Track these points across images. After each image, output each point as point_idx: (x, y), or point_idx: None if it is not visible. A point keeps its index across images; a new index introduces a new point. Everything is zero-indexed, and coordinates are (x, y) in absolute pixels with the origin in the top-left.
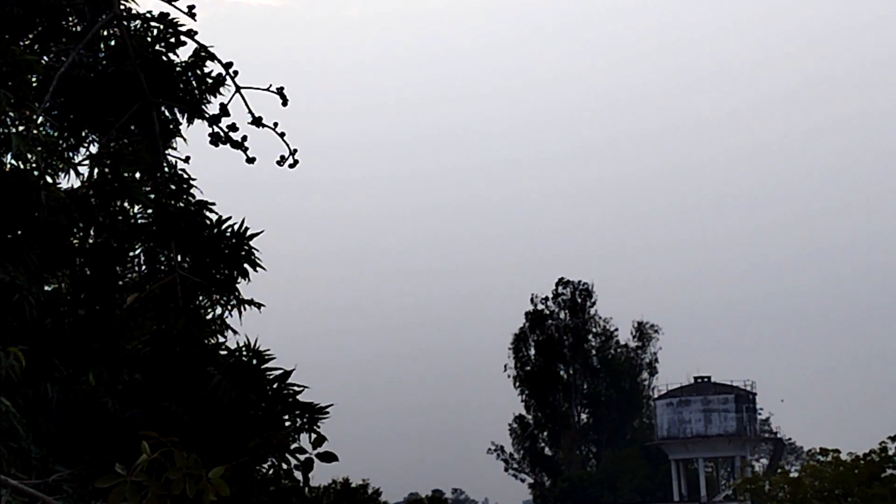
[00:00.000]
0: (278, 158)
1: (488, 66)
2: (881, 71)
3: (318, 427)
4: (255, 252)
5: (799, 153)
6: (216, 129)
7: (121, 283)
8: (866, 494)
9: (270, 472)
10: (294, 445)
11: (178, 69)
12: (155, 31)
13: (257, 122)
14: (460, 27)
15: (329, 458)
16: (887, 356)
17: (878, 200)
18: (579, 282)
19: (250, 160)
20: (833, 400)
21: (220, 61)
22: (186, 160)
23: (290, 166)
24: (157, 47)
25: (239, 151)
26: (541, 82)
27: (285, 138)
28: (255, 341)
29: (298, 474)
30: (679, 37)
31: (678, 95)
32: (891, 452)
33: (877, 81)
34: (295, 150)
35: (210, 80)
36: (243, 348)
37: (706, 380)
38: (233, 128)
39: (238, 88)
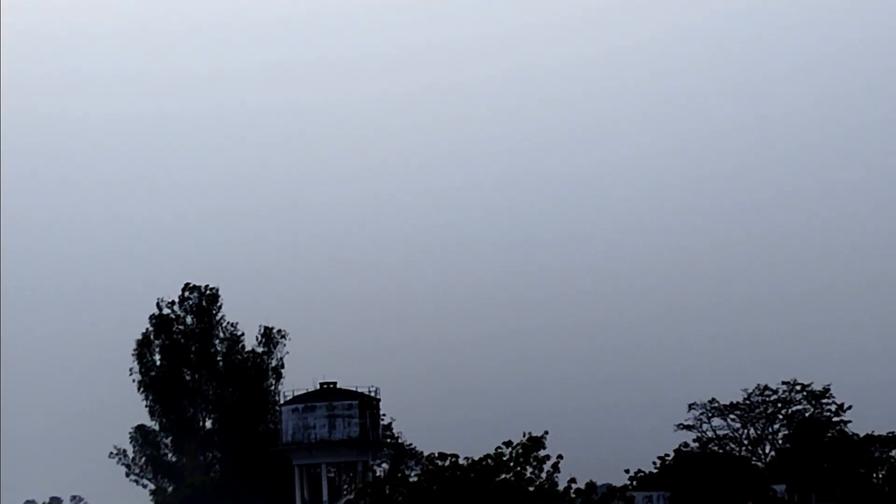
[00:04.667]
0: None
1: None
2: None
3: None
4: None
5: (442, 166)
6: None
7: None
8: (482, 497)
9: None
10: None
11: None
12: None
13: None
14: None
15: None
16: (501, 365)
17: (520, 209)
18: (206, 286)
19: None
20: (452, 406)
21: None
22: None
23: None
24: None
25: None
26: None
27: None
28: None
29: None
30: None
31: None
32: (506, 458)
33: None
34: None
35: None
36: None
37: (332, 386)
38: None
39: None
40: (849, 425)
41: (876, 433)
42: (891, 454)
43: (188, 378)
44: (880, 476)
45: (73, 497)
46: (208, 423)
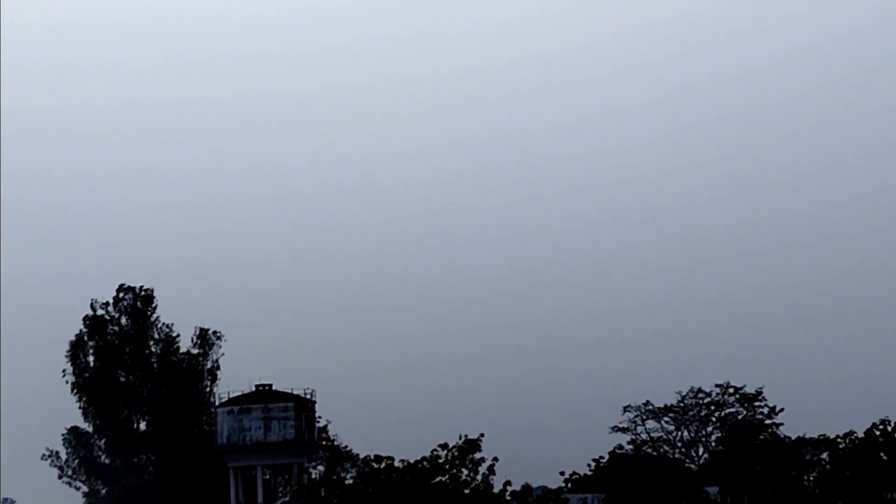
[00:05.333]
0: None
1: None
2: None
3: None
4: None
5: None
6: None
7: None
8: (418, 500)
9: None
10: None
11: None
12: None
13: None
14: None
15: None
16: (437, 367)
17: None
18: (140, 287)
19: None
20: (388, 408)
21: None
22: None
23: None
24: None
25: None
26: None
27: None
28: None
29: None
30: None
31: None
32: (441, 460)
33: None
34: None
35: None
36: None
37: (267, 388)
38: None
39: None
40: (781, 428)
41: (807, 436)
42: (822, 457)
43: (122, 380)
44: (811, 478)
45: (5, 500)
46: (143, 425)
